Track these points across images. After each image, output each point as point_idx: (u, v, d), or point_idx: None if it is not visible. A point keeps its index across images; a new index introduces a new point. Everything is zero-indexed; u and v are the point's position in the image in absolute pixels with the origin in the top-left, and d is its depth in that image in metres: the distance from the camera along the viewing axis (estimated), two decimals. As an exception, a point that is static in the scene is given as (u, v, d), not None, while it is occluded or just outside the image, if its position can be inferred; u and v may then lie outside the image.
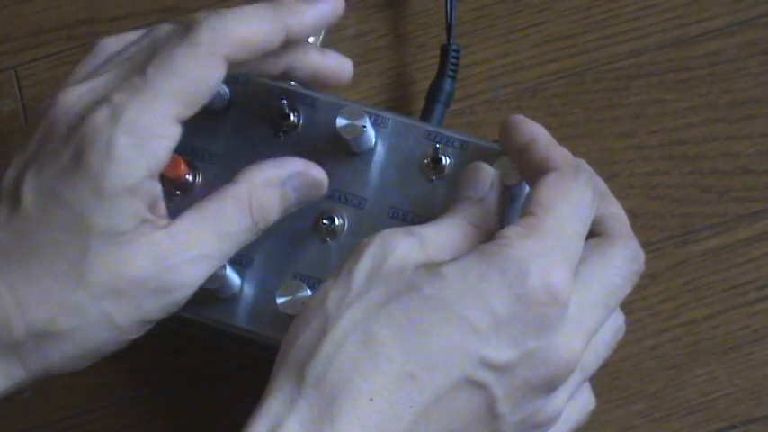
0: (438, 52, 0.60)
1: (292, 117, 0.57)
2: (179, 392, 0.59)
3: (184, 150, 0.58)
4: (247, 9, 0.51)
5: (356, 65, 0.63)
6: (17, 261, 0.47)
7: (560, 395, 0.47)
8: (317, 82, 0.55)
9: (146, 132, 0.48)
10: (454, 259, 0.46)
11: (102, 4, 0.66)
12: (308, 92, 0.58)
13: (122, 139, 0.47)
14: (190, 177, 0.57)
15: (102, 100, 0.48)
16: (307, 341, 0.45)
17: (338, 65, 0.55)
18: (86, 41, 0.65)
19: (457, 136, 0.56)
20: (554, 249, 0.45)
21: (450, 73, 0.60)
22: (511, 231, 0.46)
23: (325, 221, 0.56)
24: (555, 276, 0.45)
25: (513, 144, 0.50)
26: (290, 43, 0.52)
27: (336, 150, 0.57)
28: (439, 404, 0.44)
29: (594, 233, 0.49)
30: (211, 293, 0.55)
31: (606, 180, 0.58)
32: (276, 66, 0.53)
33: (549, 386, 0.46)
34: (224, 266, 0.54)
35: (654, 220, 0.59)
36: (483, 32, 0.63)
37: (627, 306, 0.57)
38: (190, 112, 0.49)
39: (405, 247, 0.47)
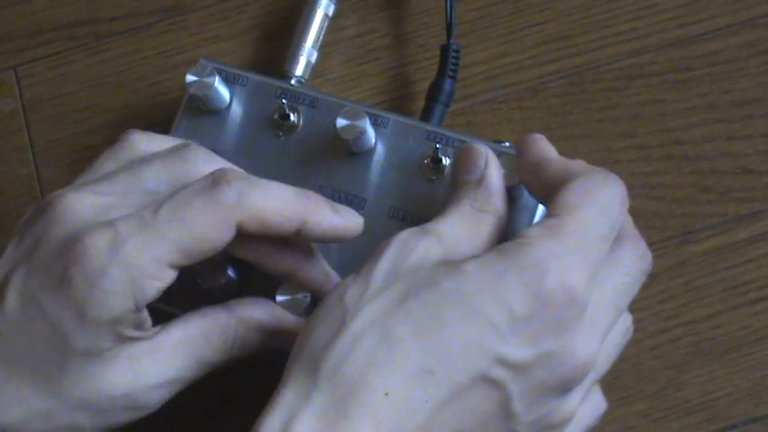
0: (438, 52, 0.60)
1: (292, 117, 0.57)
2: (179, 392, 0.59)
3: (184, 150, 0.58)
4: (276, 186, 0.50)
5: (356, 65, 0.63)
6: None
7: (574, 396, 0.47)
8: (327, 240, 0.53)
9: (140, 272, 0.47)
10: (474, 256, 0.46)
11: (102, 4, 0.66)
12: (309, 92, 0.58)
13: (115, 271, 0.47)
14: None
15: (106, 224, 0.48)
16: (323, 335, 0.45)
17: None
18: (86, 41, 0.65)
19: (457, 136, 0.56)
20: (575, 251, 0.45)
21: (451, 73, 0.60)
22: (533, 231, 0.46)
23: (325, 221, 0.56)
24: (574, 278, 0.45)
25: (531, 158, 0.50)
26: (298, 237, 0.51)
27: (336, 150, 0.57)
28: (454, 401, 0.44)
29: None
30: (211, 293, 0.55)
31: (606, 180, 0.59)
32: (277, 264, 0.53)
33: (565, 387, 0.46)
34: (225, 266, 0.54)
35: (654, 220, 0.59)
36: (483, 32, 0.63)
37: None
38: (186, 263, 0.49)
39: (423, 246, 0.47)
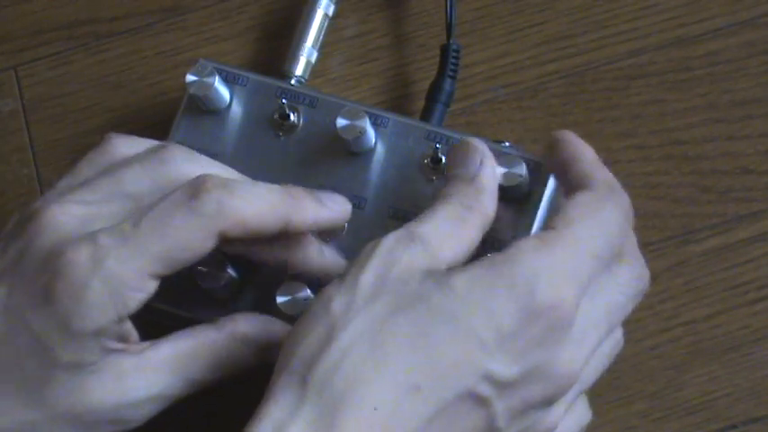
0: (438, 52, 0.60)
1: (292, 117, 0.57)
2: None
3: (184, 150, 0.58)
4: (256, 190, 0.50)
5: (356, 65, 0.63)
6: None
7: (558, 408, 0.47)
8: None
9: (122, 285, 0.48)
10: (463, 269, 0.45)
11: (102, 4, 0.66)
12: (309, 92, 0.58)
13: (97, 285, 0.47)
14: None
15: (88, 237, 0.48)
16: (311, 347, 0.44)
17: (334, 263, 0.53)
18: (86, 41, 0.65)
19: (457, 136, 0.56)
20: (567, 266, 0.45)
21: (451, 73, 0.60)
22: (525, 243, 0.46)
23: (325, 221, 0.56)
24: (563, 293, 0.44)
25: (558, 158, 0.50)
26: (289, 234, 0.51)
27: (336, 150, 0.57)
28: (441, 417, 0.44)
29: None
30: (211, 293, 0.55)
31: (606, 180, 0.59)
32: (269, 255, 0.53)
33: (549, 400, 0.46)
34: (225, 266, 0.54)
35: (654, 220, 0.59)
36: (483, 32, 0.63)
37: (627, 306, 0.57)
38: (168, 272, 0.49)
39: (410, 254, 0.46)
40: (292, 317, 0.54)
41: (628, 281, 0.48)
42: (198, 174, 0.50)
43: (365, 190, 0.56)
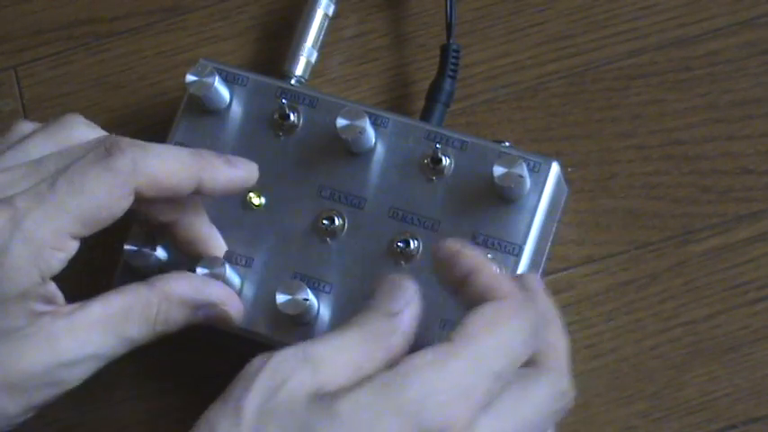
0: (438, 52, 0.60)
1: (292, 117, 0.57)
2: (179, 392, 0.59)
3: (184, 150, 0.58)
4: (169, 149, 0.51)
5: (356, 65, 0.63)
6: None
7: None
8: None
9: (42, 245, 0.48)
10: (350, 391, 0.43)
11: (102, 4, 0.66)
12: (309, 92, 0.58)
13: (18, 247, 0.47)
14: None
15: (4, 201, 0.48)
16: None
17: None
18: (86, 41, 0.65)
19: (457, 136, 0.56)
20: (460, 383, 0.43)
21: (451, 73, 0.60)
22: (418, 359, 0.43)
23: (325, 221, 0.56)
24: (454, 413, 0.42)
25: (452, 276, 0.47)
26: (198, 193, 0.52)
27: (336, 150, 0.57)
28: None
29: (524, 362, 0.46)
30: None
31: (606, 180, 0.59)
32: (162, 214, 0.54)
33: None
34: (224, 266, 0.54)
35: (654, 220, 0.58)
36: (483, 32, 0.63)
37: (627, 306, 0.57)
38: (87, 233, 0.49)
39: (297, 377, 0.43)
40: (292, 317, 0.54)
41: (545, 400, 0.45)
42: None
43: (365, 190, 0.56)
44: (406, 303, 0.46)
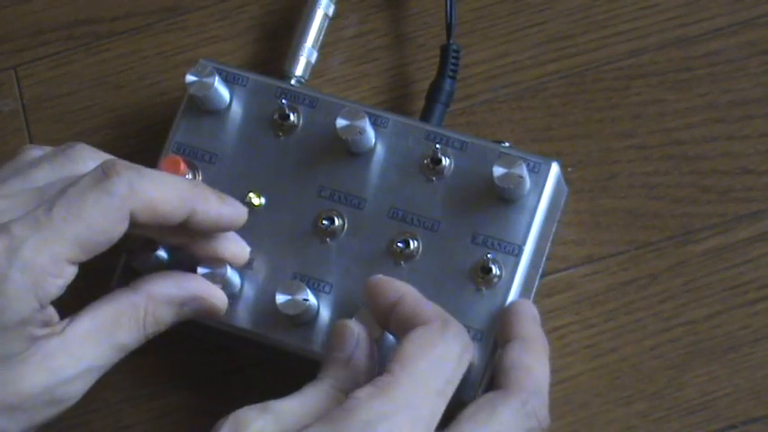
0: (438, 52, 0.60)
1: (292, 117, 0.57)
2: (179, 392, 0.59)
3: (184, 150, 0.58)
4: (165, 175, 0.51)
5: (356, 65, 0.63)
6: None
7: None
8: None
9: (40, 272, 0.48)
10: (305, 428, 0.44)
11: (102, 4, 0.66)
12: (308, 92, 0.58)
13: (16, 275, 0.47)
14: (190, 177, 0.57)
15: (1, 228, 0.48)
16: None
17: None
18: (86, 41, 0.65)
19: (457, 136, 0.56)
20: (404, 410, 0.44)
21: (450, 73, 0.60)
22: (362, 392, 0.45)
23: (324, 221, 0.56)
24: None
25: (380, 305, 0.50)
26: (187, 227, 0.52)
27: (336, 150, 0.57)
28: None
29: (498, 384, 0.49)
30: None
31: (606, 180, 0.59)
32: (174, 239, 0.54)
33: None
34: (224, 266, 0.54)
35: (654, 220, 0.58)
36: (483, 32, 0.63)
37: (627, 306, 0.57)
38: (85, 258, 0.49)
39: (257, 425, 0.45)
40: (292, 317, 0.54)
41: (512, 420, 0.47)
42: None
43: (365, 190, 0.56)
44: (356, 346, 0.49)
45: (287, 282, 0.54)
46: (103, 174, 0.49)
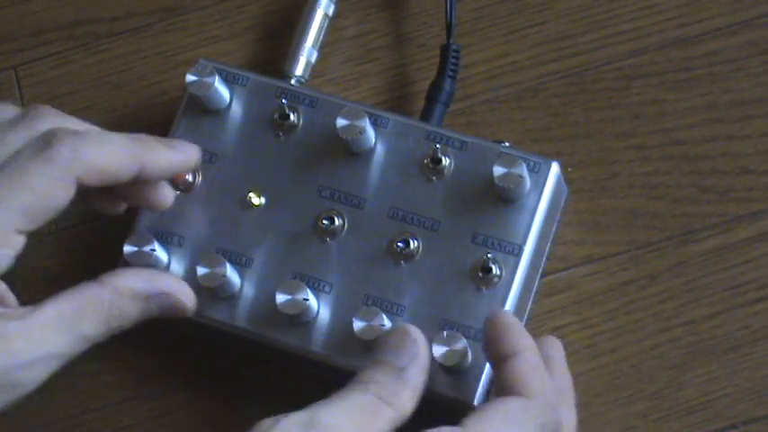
0: (438, 52, 0.60)
1: (292, 117, 0.57)
2: (179, 392, 0.59)
3: (184, 150, 0.58)
4: (107, 136, 0.51)
5: (356, 65, 0.63)
6: None
7: None
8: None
9: None
10: None
11: (102, 4, 0.66)
12: (309, 92, 0.58)
13: None
14: (190, 177, 0.57)
15: None
16: None
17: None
18: (86, 41, 0.65)
19: (457, 136, 0.56)
20: None
21: (450, 73, 0.60)
22: None
23: (324, 221, 0.56)
24: None
25: (498, 350, 0.48)
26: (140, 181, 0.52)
27: (336, 150, 0.57)
28: None
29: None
30: (211, 293, 0.55)
31: (606, 180, 0.59)
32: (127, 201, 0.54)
33: None
34: (224, 266, 0.54)
35: (654, 220, 0.58)
36: (483, 32, 0.63)
37: (627, 306, 0.57)
38: (33, 227, 0.49)
39: None
40: (292, 316, 0.54)
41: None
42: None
43: (365, 190, 0.56)
44: (413, 358, 0.47)
45: (287, 281, 0.54)
46: (45, 142, 0.49)
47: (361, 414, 0.45)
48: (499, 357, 0.48)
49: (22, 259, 0.49)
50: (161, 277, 0.53)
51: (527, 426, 0.45)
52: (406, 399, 0.46)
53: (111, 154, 0.50)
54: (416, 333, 0.48)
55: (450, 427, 0.44)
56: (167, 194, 0.55)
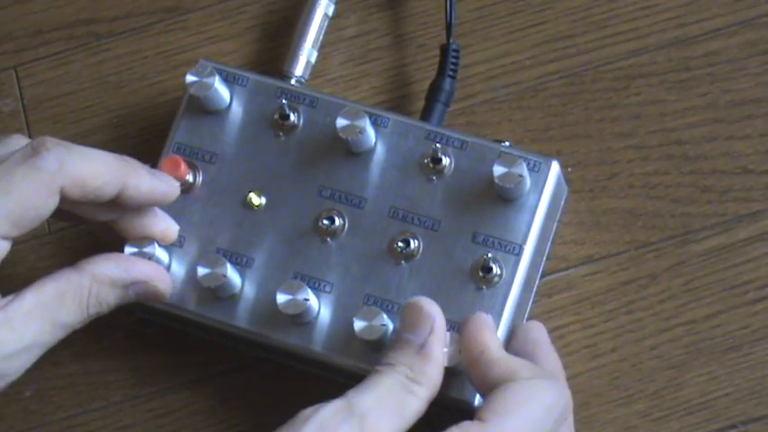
0: (438, 52, 0.60)
1: (292, 117, 0.57)
2: (179, 392, 0.59)
3: (185, 150, 0.58)
4: (95, 152, 0.51)
5: (356, 65, 0.63)
6: None
7: None
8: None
9: None
10: None
11: (102, 4, 0.66)
12: (309, 92, 0.58)
13: None
14: (190, 177, 0.57)
15: None
16: None
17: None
18: (86, 41, 0.65)
19: (457, 136, 0.56)
20: None
21: (450, 73, 0.60)
22: None
23: (325, 221, 0.56)
24: None
25: (475, 348, 0.50)
26: (118, 204, 0.52)
27: (336, 150, 0.57)
28: None
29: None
30: (212, 293, 0.55)
31: (606, 180, 0.59)
32: (104, 214, 0.54)
33: None
34: (225, 266, 0.54)
35: (654, 220, 0.59)
36: (483, 32, 0.63)
37: (627, 306, 0.57)
38: (16, 233, 0.49)
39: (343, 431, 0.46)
40: (292, 316, 0.54)
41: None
42: None
43: (365, 190, 0.56)
44: (431, 329, 0.49)
45: (287, 281, 0.54)
46: (33, 150, 0.49)
47: (395, 397, 0.47)
48: (473, 357, 0.50)
49: (10, 265, 0.50)
50: (139, 264, 0.54)
51: (543, 402, 0.47)
52: (433, 373, 0.48)
53: (96, 169, 0.50)
54: (429, 306, 0.50)
55: (471, 423, 0.45)
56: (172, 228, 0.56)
